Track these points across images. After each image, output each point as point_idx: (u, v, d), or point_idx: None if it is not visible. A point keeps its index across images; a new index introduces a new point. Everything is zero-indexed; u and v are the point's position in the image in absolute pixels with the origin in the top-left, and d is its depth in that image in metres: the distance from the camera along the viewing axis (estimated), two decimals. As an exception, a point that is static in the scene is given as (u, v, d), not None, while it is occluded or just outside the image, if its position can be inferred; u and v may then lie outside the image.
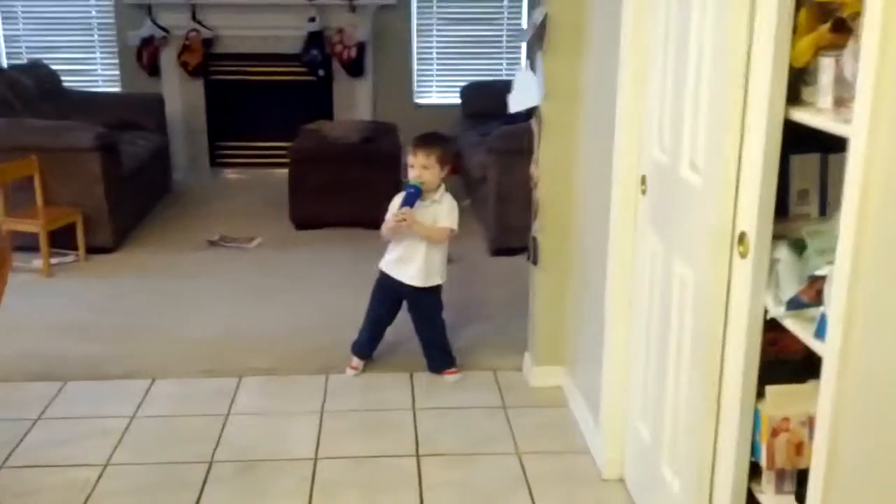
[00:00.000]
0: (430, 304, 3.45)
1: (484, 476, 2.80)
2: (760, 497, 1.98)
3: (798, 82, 1.80)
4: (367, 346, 3.51)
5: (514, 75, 3.27)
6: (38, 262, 4.59)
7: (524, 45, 3.24)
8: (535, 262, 3.32)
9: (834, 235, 1.90)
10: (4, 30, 6.86)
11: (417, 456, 2.92)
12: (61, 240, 4.72)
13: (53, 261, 4.63)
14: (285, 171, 6.73)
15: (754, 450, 1.98)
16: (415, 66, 7.23)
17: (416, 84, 7.27)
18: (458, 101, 7.04)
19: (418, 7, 7.09)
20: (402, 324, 3.55)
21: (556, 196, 3.22)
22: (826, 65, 1.71)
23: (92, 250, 4.81)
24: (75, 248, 4.78)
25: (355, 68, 6.96)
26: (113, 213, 4.82)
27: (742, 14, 1.82)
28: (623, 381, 2.72)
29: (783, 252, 1.87)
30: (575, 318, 3.25)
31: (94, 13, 6.90)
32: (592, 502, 2.67)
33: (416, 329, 3.50)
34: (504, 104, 6.70)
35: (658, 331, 2.40)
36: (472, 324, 3.97)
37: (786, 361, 2.03)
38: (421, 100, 7.31)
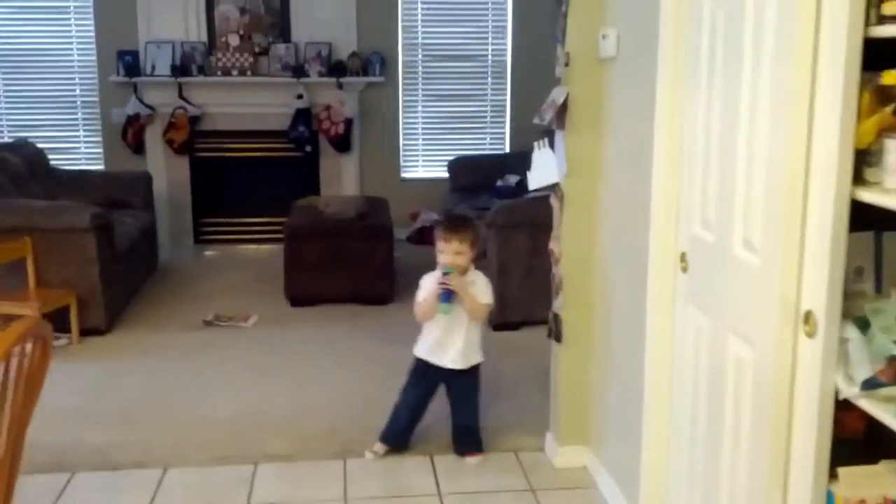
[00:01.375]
0: (470, 385, 3.40)
1: (522, 564, 2.71)
2: (836, 583, 1.93)
3: (860, 163, 1.83)
4: (404, 435, 3.42)
5: (531, 154, 3.27)
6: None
7: (538, 123, 3.25)
8: (558, 340, 3.28)
9: (893, 313, 1.92)
10: (-15, 108, 6.80)
11: (451, 544, 2.82)
12: (53, 322, 4.56)
13: (46, 344, 4.48)
14: (272, 246, 6.77)
15: (828, 533, 1.94)
16: (401, 142, 7.29)
17: (402, 159, 7.31)
18: (444, 175, 7.10)
19: (404, 84, 7.19)
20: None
21: (579, 272, 3.21)
22: (891, 147, 1.74)
23: (85, 332, 4.68)
24: (67, 330, 4.65)
25: (342, 144, 7.00)
26: (106, 294, 4.71)
27: (802, 99, 1.85)
28: (663, 461, 2.67)
29: (852, 331, 1.86)
30: (600, 397, 3.21)
31: (77, 91, 6.87)
32: (638, 589, 2.59)
33: (454, 411, 3.42)
34: (491, 178, 6.82)
35: (707, 409, 2.37)
36: (487, 402, 3.89)
37: (845, 441, 2.02)
38: (407, 174, 7.35)
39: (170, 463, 3.29)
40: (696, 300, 2.42)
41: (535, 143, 3.28)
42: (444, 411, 3.49)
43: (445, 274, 3.22)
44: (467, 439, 3.41)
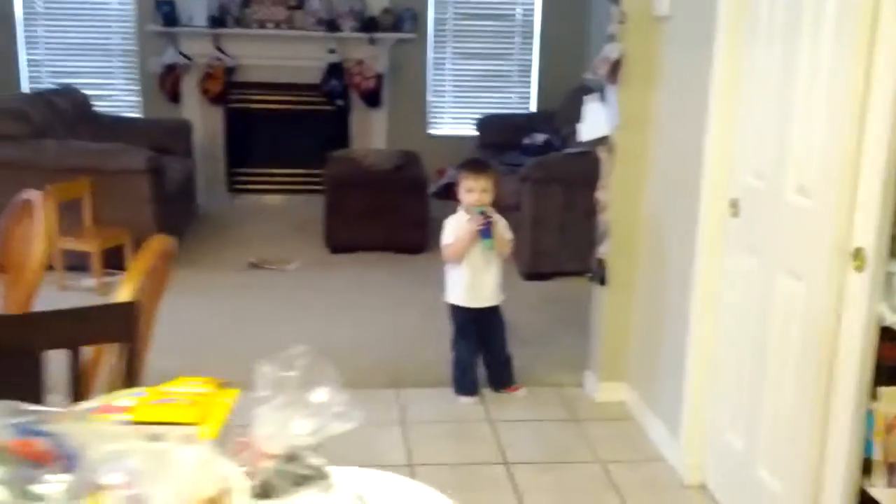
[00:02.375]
0: (501, 320, 3.60)
1: (574, 481, 2.97)
2: (871, 491, 2.17)
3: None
4: (476, 381, 3.57)
5: (583, 106, 3.46)
6: (89, 282, 4.66)
7: (592, 78, 3.44)
8: (602, 283, 3.51)
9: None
10: (27, 54, 6.94)
11: (506, 464, 3.07)
12: (108, 259, 4.80)
13: (104, 280, 4.71)
14: (303, 196, 6.98)
15: (866, 447, 2.18)
16: (429, 98, 7.45)
17: (429, 115, 7.49)
18: (470, 132, 7.28)
19: (435, 42, 7.33)
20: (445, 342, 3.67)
21: (625, 220, 3.42)
22: (943, 99, 1.94)
23: (138, 270, 4.89)
24: (121, 267, 4.85)
25: (373, 99, 7.16)
26: (159, 234, 4.91)
27: (861, 54, 2.05)
28: (706, 393, 2.91)
29: (898, 266, 2.09)
30: (641, 336, 3.44)
31: (116, 40, 7.02)
32: (679, 506, 2.85)
33: (489, 348, 3.61)
34: (518, 136, 6.99)
35: (753, 344, 2.59)
36: (523, 345, 4.13)
37: (881, 367, 2.24)
38: (434, 130, 7.53)
39: (242, 388, 3.52)
40: (747, 243, 2.64)
41: (585, 97, 3.47)
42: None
43: (482, 213, 3.37)
44: (503, 372, 3.62)
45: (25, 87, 6.88)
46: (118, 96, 7.08)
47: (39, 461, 0.77)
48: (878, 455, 2.14)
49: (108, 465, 0.77)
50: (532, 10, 7.36)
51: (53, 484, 0.77)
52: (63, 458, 0.78)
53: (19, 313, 1.48)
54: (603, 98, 3.42)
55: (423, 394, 3.60)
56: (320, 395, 0.91)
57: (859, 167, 2.11)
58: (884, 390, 2.15)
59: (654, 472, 3.05)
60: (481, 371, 3.64)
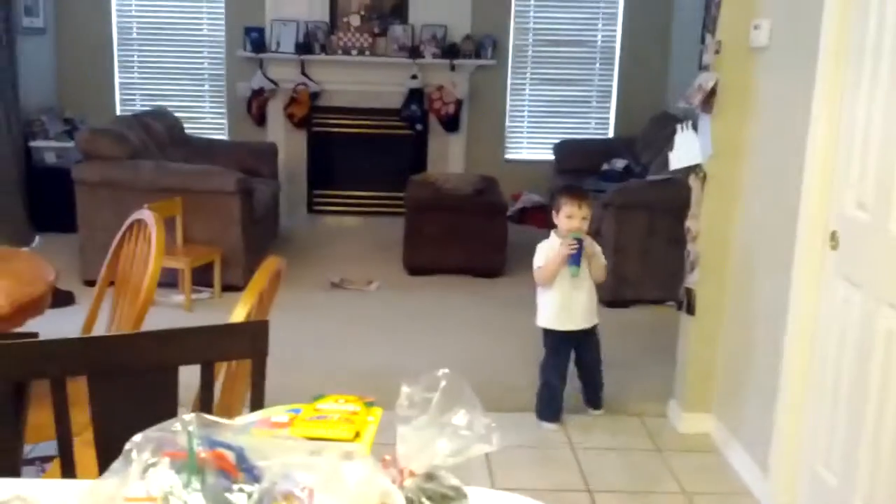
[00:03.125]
0: (597, 342, 3.64)
1: (661, 513, 2.94)
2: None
3: None
4: (560, 407, 3.60)
5: (675, 134, 3.46)
6: (178, 298, 4.82)
7: (685, 106, 3.44)
8: (690, 312, 3.48)
9: None
10: (120, 77, 7.24)
11: (590, 491, 3.06)
12: (197, 277, 4.95)
13: (192, 297, 4.86)
14: (380, 218, 7.10)
15: (974, 489, 2.12)
16: (507, 123, 7.51)
17: (507, 140, 7.54)
18: (546, 157, 7.31)
19: (514, 67, 7.41)
20: (532, 367, 3.69)
21: (715, 249, 3.39)
22: None
23: (225, 288, 5.04)
24: (209, 284, 5.01)
25: (452, 124, 7.25)
26: (246, 253, 5.06)
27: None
28: (798, 427, 2.86)
29: None
30: (728, 367, 3.40)
31: (206, 65, 7.27)
32: (770, 542, 2.80)
33: (586, 369, 3.66)
34: (596, 162, 7.00)
35: (852, 378, 2.55)
36: (606, 372, 4.11)
37: None
38: (511, 155, 7.58)
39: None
40: (847, 275, 2.60)
41: (679, 126, 3.47)
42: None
43: (576, 238, 3.40)
44: (598, 394, 3.68)
45: (119, 109, 7.18)
46: (207, 119, 7.33)
47: (230, 472, 0.82)
48: None
49: (286, 478, 0.81)
50: (613, 36, 7.38)
51: (243, 494, 0.82)
52: (246, 470, 0.83)
53: (147, 331, 1.56)
54: (695, 127, 3.41)
55: (505, 418, 3.61)
56: (462, 416, 0.94)
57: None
58: None
59: (743, 506, 3.00)
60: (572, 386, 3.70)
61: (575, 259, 3.40)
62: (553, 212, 3.52)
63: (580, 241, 3.41)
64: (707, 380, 3.51)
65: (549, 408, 3.57)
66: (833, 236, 2.67)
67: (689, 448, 3.44)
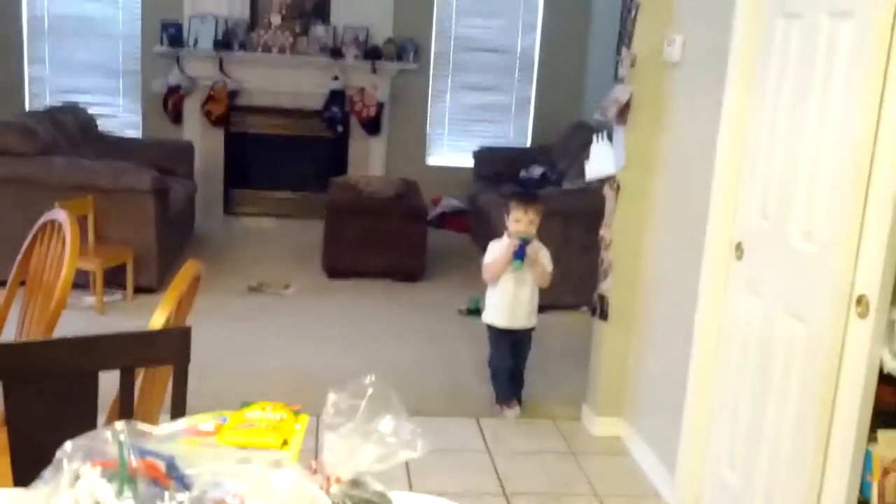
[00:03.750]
0: (529, 343, 3.83)
1: (573, 514, 3.02)
2: (868, 531, 2.24)
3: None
4: (514, 391, 3.79)
5: (591, 145, 3.56)
6: (90, 300, 4.69)
7: (601, 118, 3.54)
8: (604, 318, 3.59)
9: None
10: (30, 71, 7.00)
11: (505, 494, 3.12)
12: (109, 278, 4.83)
13: (104, 299, 4.74)
14: (298, 221, 7.05)
15: (862, 489, 2.25)
16: (428, 128, 7.56)
17: (428, 145, 7.59)
18: (466, 163, 7.39)
19: (435, 73, 7.46)
20: (462, 369, 3.78)
21: (628, 257, 3.51)
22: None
23: (137, 290, 4.93)
24: (121, 286, 4.90)
25: (373, 127, 7.26)
26: (160, 255, 4.96)
27: (871, 110, 2.15)
28: (703, 431, 2.98)
29: (898, 314, 2.18)
30: (639, 372, 3.52)
31: (121, 60, 7.09)
32: (676, 540, 2.91)
33: (514, 367, 3.80)
34: (514, 169, 7.10)
35: (753, 383, 2.67)
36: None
37: (879, 412, 2.33)
38: (432, 160, 7.63)
39: (241, 410, 3.57)
40: (750, 284, 2.73)
41: (594, 136, 3.57)
42: (484, 373, 3.87)
43: (522, 239, 3.56)
44: (518, 385, 3.82)
45: (28, 105, 6.94)
46: (121, 116, 7.15)
47: (161, 481, 0.82)
48: (874, 498, 2.21)
49: (217, 486, 0.83)
50: (532, 45, 7.51)
51: (174, 502, 0.82)
52: (177, 479, 0.83)
53: (69, 336, 1.53)
54: (610, 138, 3.52)
55: (422, 422, 3.63)
56: (387, 423, 0.97)
57: (864, 216, 2.20)
58: (883, 433, 2.22)
59: (651, 506, 3.11)
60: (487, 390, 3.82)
61: (518, 255, 3.55)
62: (505, 215, 3.69)
63: (525, 241, 3.56)
64: (619, 384, 3.62)
65: (501, 391, 3.77)
66: (738, 247, 2.80)
67: (601, 451, 3.54)
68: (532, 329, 3.80)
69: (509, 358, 3.76)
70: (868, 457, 2.24)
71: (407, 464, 3.28)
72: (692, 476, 3.02)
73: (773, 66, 2.61)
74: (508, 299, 3.67)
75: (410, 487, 3.09)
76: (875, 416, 2.27)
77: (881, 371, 2.19)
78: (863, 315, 2.19)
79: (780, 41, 2.58)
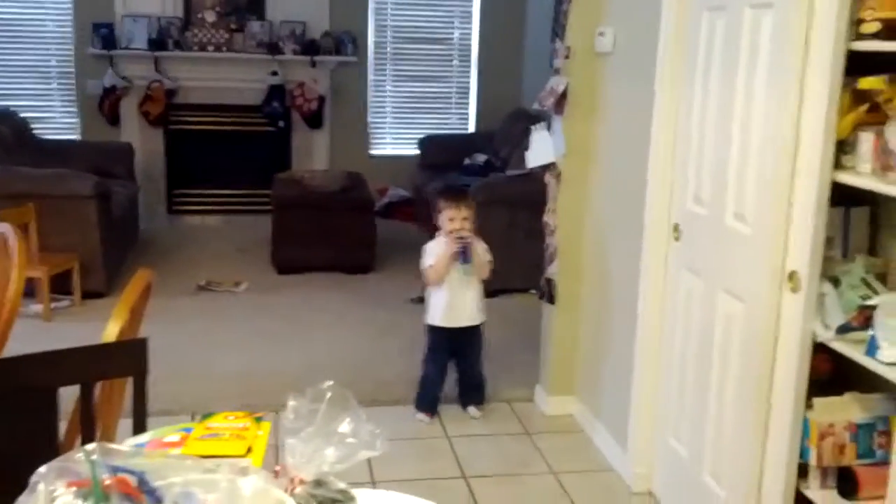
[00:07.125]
0: (479, 340, 3.72)
1: (530, 493, 3.12)
2: (807, 492, 2.37)
3: (838, 151, 2.25)
4: (437, 400, 3.70)
5: (530, 134, 3.63)
6: (36, 307, 4.64)
7: (539, 108, 3.62)
8: (551, 302, 3.67)
9: (858, 274, 2.36)
10: (-42, 76, 6.83)
11: (465, 478, 3.20)
12: (56, 285, 4.78)
13: (51, 306, 4.68)
14: (244, 217, 7.02)
15: (802, 453, 2.37)
16: (370, 119, 7.58)
17: (371, 136, 7.61)
18: (411, 152, 7.44)
19: (375, 64, 7.47)
20: (417, 357, 3.82)
21: (572, 242, 3.60)
22: (864, 138, 2.17)
23: (86, 295, 4.88)
24: (69, 292, 4.85)
25: (314, 120, 7.25)
26: (106, 259, 4.92)
27: (793, 98, 2.25)
28: (651, 405, 3.10)
29: (827, 288, 2.29)
30: (588, 351, 3.62)
31: (53, 62, 6.96)
32: (629, 513, 3.03)
33: (465, 366, 3.74)
34: (459, 156, 7.16)
35: (696, 357, 2.79)
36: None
37: (813, 381, 2.45)
38: (376, 151, 7.65)
39: (197, 411, 3.58)
40: (689, 264, 2.84)
41: (533, 126, 3.65)
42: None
43: (460, 237, 3.49)
44: (472, 391, 3.77)
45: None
46: (56, 119, 7.02)
47: (133, 496, 0.86)
48: (813, 460, 2.33)
49: (188, 496, 0.87)
50: (469, 34, 7.57)
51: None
52: (148, 492, 0.87)
53: (26, 354, 1.55)
54: (549, 127, 3.59)
55: (380, 412, 3.70)
56: (347, 424, 1.03)
57: (793, 196, 2.31)
58: (818, 401, 2.35)
59: (604, 481, 3.22)
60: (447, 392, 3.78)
61: (464, 257, 3.50)
62: (435, 213, 3.60)
63: (466, 242, 3.50)
64: (569, 364, 3.72)
65: (426, 399, 3.69)
66: (676, 228, 2.91)
67: (556, 429, 3.64)
68: (479, 327, 3.70)
69: (444, 365, 3.68)
70: (806, 423, 2.36)
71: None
72: (643, 449, 3.13)
73: (701, 57, 2.72)
74: (454, 300, 3.59)
75: (372, 476, 3.15)
76: (810, 384, 2.40)
77: (814, 342, 2.31)
78: (795, 290, 2.31)
79: (706, 33, 2.68)
